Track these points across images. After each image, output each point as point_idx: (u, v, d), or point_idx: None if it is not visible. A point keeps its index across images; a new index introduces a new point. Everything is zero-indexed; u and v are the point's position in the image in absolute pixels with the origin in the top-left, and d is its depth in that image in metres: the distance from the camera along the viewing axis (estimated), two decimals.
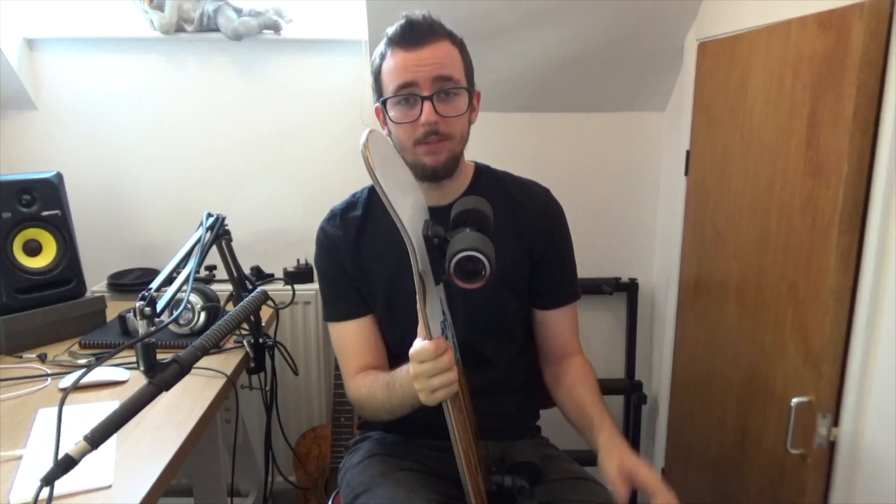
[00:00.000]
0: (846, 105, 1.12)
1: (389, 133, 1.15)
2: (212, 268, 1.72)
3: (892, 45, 1.06)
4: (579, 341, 1.29)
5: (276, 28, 1.88)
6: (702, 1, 1.72)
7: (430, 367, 0.90)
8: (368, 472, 1.16)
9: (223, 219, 1.55)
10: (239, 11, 1.85)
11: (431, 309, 0.91)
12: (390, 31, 1.11)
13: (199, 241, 1.46)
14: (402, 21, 1.10)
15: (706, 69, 1.70)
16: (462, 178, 1.22)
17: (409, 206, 0.90)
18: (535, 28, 1.77)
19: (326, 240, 1.23)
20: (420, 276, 0.87)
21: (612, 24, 1.76)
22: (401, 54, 1.09)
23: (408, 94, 1.09)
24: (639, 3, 1.70)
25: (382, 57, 1.12)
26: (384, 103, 1.12)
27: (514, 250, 1.21)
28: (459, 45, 1.14)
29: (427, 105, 1.08)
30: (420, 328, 0.92)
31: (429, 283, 0.89)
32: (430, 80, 1.08)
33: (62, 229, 1.58)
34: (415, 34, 1.08)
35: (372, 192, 1.28)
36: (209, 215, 1.53)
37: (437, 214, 1.18)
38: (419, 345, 0.92)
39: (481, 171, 1.26)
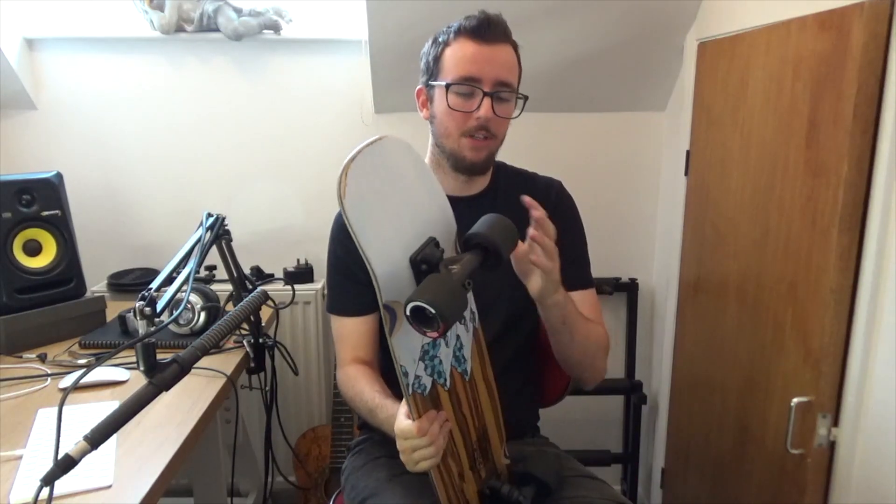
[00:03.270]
0: (846, 105, 1.12)
1: (432, 117, 1.18)
2: (212, 268, 1.72)
3: (892, 45, 1.06)
4: (603, 322, 1.26)
5: (276, 28, 1.88)
6: (702, 1, 1.72)
7: (412, 444, 0.92)
8: (374, 476, 1.17)
9: (223, 219, 1.55)
10: (239, 11, 1.85)
11: (405, 339, 0.87)
12: (464, 21, 1.13)
13: (199, 241, 1.46)
14: (479, 15, 1.13)
15: (706, 69, 1.70)
16: (487, 174, 1.26)
17: (419, 220, 0.89)
18: (535, 28, 1.77)
19: (339, 231, 1.25)
20: (389, 307, 0.84)
21: (612, 25, 1.76)
22: (473, 45, 1.11)
23: (472, 86, 1.11)
24: (639, 3, 1.70)
25: (446, 43, 1.14)
26: (447, 87, 1.13)
27: None
28: (518, 54, 1.18)
29: (487, 101, 1.11)
30: (404, 405, 0.93)
31: (400, 315, 0.84)
32: (494, 81, 1.11)
33: (62, 229, 1.58)
34: (491, 31, 1.11)
35: None
36: (209, 215, 1.53)
37: (462, 203, 1.20)
38: (403, 423, 0.93)
39: (499, 167, 1.29)
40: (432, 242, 0.90)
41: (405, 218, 0.89)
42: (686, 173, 1.83)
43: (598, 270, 2.08)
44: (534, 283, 1.01)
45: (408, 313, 0.79)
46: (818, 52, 1.21)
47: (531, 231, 0.96)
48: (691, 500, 1.84)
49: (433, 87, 1.16)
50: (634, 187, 2.08)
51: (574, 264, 1.24)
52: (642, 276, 2.13)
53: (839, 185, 1.14)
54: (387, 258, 0.84)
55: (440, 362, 0.96)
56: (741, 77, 1.50)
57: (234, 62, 1.94)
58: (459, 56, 1.12)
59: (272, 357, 1.54)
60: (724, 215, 1.60)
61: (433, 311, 0.76)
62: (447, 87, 1.13)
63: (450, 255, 0.91)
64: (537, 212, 0.96)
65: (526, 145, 2.03)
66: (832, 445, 1.21)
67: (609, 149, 2.05)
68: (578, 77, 1.91)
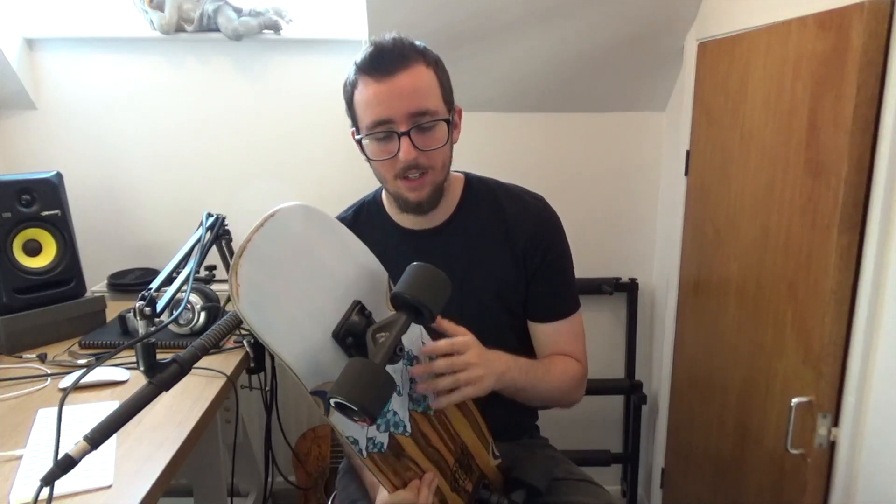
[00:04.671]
0: (846, 105, 1.12)
1: (369, 160, 1.12)
2: (212, 268, 1.72)
3: (892, 45, 1.06)
4: (583, 349, 1.23)
5: (276, 28, 1.88)
6: (702, 1, 1.72)
7: None
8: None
9: (223, 219, 1.55)
10: (239, 11, 1.85)
11: (345, 422, 0.81)
12: (358, 58, 1.05)
13: (198, 241, 1.46)
14: (371, 48, 1.04)
15: (706, 69, 1.70)
16: (450, 198, 1.17)
17: (341, 288, 0.83)
18: (534, 28, 1.77)
19: None
20: (319, 392, 0.79)
21: (612, 25, 1.76)
22: (373, 86, 1.03)
23: (385, 131, 1.04)
24: (639, 3, 1.70)
25: (353, 85, 1.06)
26: (361, 140, 1.08)
27: (506, 266, 1.17)
28: (434, 64, 1.07)
29: (405, 141, 1.02)
30: (381, 481, 0.91)
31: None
32: (406, 116, 1.02)
33: (62, 229, 1.58)
34: (385, 62, 1.02)
35: (357, 212, 1.25)
36: (209, 215, 1.53)
37: (424, 237, 1.17)
38: (390, 500, 0.92)
39: (471, 185, 1.21)
40: (356, 308, 0.84)
41: (318, 292, 0.82)
42: (686, 173, 1.83)
43: (598, 270, 2.12)
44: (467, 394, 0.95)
45: (332, 405, 0.75)
46: (818, 52, 1.21)
47: (411, 370, 0.90)
48: (691, 500, 1.84)
49: (358, 141, 1.09)
50: (634, 187, 2.08)
51: (561, 294, 1.20)
52: (642, 276, 2.13)
53: (839, 185, 1.14)
54: (303, 344, 0.79)
55: (395, 414, 0.89)
56: (741, 77, 1.50)
57: (234, 62, 1.94)
58: (363, 101, 1.04)
59: (272, 357, 1.54)
60: (724, 215, 1.60)
61: (355, 407, 0.72)
62: (361, 139, 1.07)
63: (378, 319, 0.84)
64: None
65: (525, 146, 2.04)
66: (832, 445, 1.21)
67: (609, 149, 2.05)
68: (578, 77, 1.91)
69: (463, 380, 0.92)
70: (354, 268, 0.88)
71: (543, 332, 1.21)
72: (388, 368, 0.78)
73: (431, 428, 0.96)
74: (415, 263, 0.85)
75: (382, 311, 0.88)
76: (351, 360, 0.77)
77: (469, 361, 0.93)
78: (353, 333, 0.82)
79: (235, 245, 1.60)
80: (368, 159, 1.11)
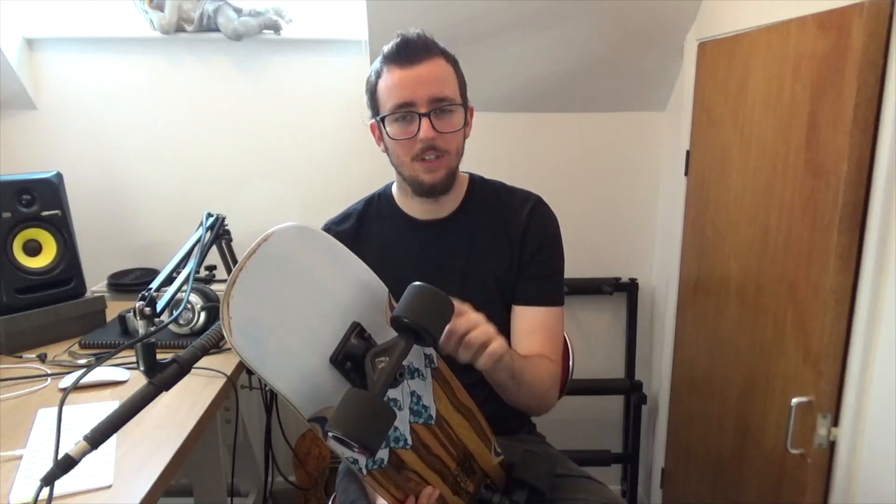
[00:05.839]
0: (846, 105, 1.12)
1: (386, 149, 1.18)
2: (212, 268, 1.72)
3: (892, 45, 1.06)
4: (558, 349, 1.22)
5: (276, 28, 1.88)
6: (702, 1, 1.72)
7: None
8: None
9: (223, 219, 1.55)
10: (239, 11, 1.85)
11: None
12: (386, 48, 1.13)
13: (198, 241, 1.46)
14: (398, 39, 1.12)
15: (706, 69, 1.70)
16: (457, 191, 1.24)
17: (340, 306, 0.82)
18: (535, 28, 1.77)
19: None
20: (318, 419, 0.77)
21: (612, 25, 1.76)
22: (397, 72, 1.11)
23: (406, 111, 1.11)
24: (639, 3, 1.70)
25: (378, 74, 1.14)
26: (382, 120, 1.14)
27: (505, 259, 1.22)
28: (453, 62, 1.16)
29: (425, 121, 1.10)
30: (381, 494, 0.90)
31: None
32: (427, 99, 1.10)
33: (62, 229, 1.58)
34: (410, 51, 1.10)
35: (368, 203, 1.30)
36: (209, 215, 1.53)
37: (432, 227, 1.22)
38: None
39: (475, 183, 1.28)
40: (355, 331, 0.83)
41: (316, 315, 0.80)
42: (686, 173, 1.83)
43: (598, 270, 2.12)
44: (473, 362, 0.95)
45: (331, 436, 0.74)
46: (818, 52, 1.21)
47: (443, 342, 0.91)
48: (691, 500, 1.84)
49: (378, 121, 1.16)
50: (634, 187, 2.08)
51: (543, 281, 1.22)
52: (642, 276, 2.13)
53: (839, 185, 1.14)
54: (300, 373, 0.78)
55: (395, 429, 0.87)
56: (741, 77, 1.50)
57: (234, 62, 1.94)
58: (388, 85, 1.12)
59: None
60: (724, 215, 1.60)
61: (354, 444, 0.71)
62: (384, 119, 1.13)
63: (379, 339, 0.83)
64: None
65: (526, 146, 2.04)
66: (832, 445, 1.21)
67: (609, 149, 2.05)
68: (578, 77, 1.91)
69: (491, 333, 0.94)
70: (353, 286, 0.86)
71: (522, 317, 1.21)
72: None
73: (433, 436, 0.95)
74: (415, 284, 0.84)
75: (383, 329, 0.86)
76: (348, 391, 0.75)
77: (482, 324, 0.95)
78: (351, 358, 0.81)
79: (235, 245, 1.60)
80: (385, 145, 1.18)
